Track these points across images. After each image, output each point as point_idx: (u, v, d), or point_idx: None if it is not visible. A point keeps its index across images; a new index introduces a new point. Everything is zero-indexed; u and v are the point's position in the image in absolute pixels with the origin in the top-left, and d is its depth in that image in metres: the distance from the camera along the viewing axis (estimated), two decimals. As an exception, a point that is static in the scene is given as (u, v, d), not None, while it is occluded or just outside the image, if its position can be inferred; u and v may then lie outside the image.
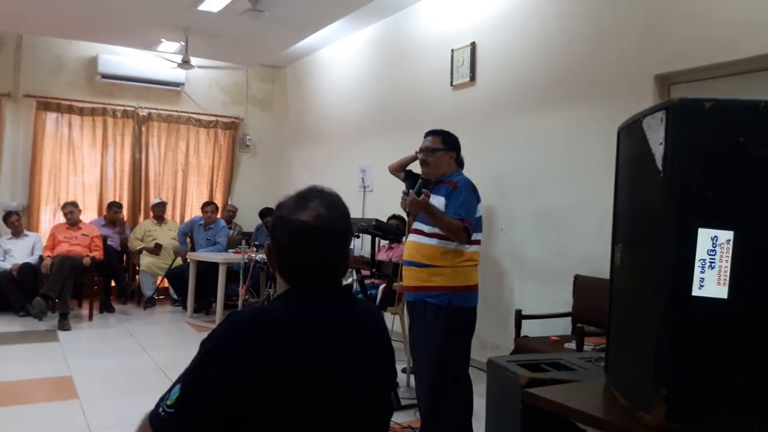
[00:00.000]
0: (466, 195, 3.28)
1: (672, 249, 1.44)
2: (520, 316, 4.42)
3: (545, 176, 4.81)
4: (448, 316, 3.25)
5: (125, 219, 8.27)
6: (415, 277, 3.35)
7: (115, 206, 7.93)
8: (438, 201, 3.30)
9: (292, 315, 1.34)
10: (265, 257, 6.19)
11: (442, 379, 3.27)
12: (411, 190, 3.36)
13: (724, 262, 1.42)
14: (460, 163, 3.52)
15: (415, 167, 3.68)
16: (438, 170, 3.44)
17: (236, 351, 1.25)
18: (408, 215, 3.59)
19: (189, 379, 1.26)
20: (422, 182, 3.44)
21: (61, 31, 7.60)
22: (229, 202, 9.02)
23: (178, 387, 1.26)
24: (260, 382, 1.23)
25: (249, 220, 8.66)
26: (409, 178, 3.56)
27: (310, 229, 1.38)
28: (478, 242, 3.38)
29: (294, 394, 1.26)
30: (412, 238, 3.41)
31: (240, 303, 6.53)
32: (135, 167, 8.55)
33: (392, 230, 4.64)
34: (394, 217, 5.92)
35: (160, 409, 1.25)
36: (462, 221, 3.21)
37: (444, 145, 3.43)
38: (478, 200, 3.37)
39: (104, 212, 8.00)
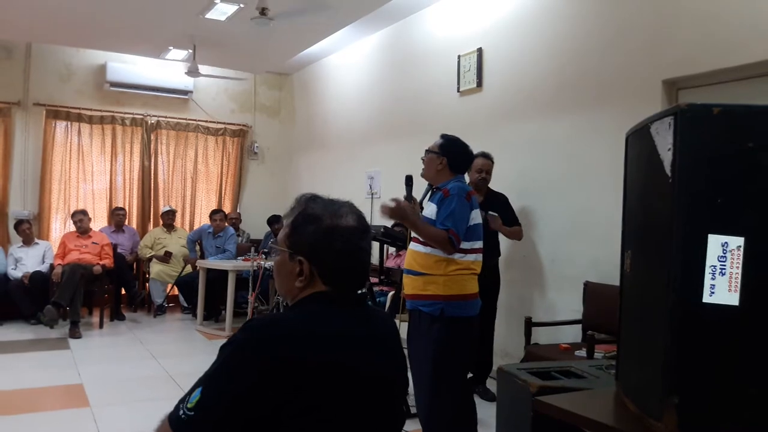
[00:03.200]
0: (455, 204, 3.22)
1: (681, 255, 1.43)
2: (529, 324, 4.40)
3: (553, 182, 4.80)
4: (442, 325, 3.20)
5: (128, 223, 8.32)
6: (412, 285, 3.33)
7: (118, 210, 8.03)
8: (430, 208, 3.30)
9: (309, 321, 1.37)
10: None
11: (438, 388, 3.24)
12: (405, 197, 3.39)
13: (735, 268, 1.41)
14: (455, 170, 3.42)
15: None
16: (428, 172, 3.44)
17: (254, 357, 1.27)
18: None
19: (209, 383, 1.29)
20: (428, 188, 3.46)
21: (69, 40, 7.67)
22: (237, 210, 9.04)
23: (198, 390, 1.28)
24: (278, 388, 1.26)
25: (258, 228, 8.68)
26: (409, 184, 3.56)
27: (356, 231, 1.46)
28: (477, 251, 3.31)
29: (310, 399, 1.28)
30: (411, 246, 3.40)
31: (249, 310, 6.53)
32: (144, 175, 8.59)
33: (400, 237, 4.63)
34: (398, 224, 5.91)
35: (181, 411, 1.27)
36: (447, 231, 3.17)
37: (439, 149, 3.41)
38: (472, 207, 3.30)
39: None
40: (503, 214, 4.67)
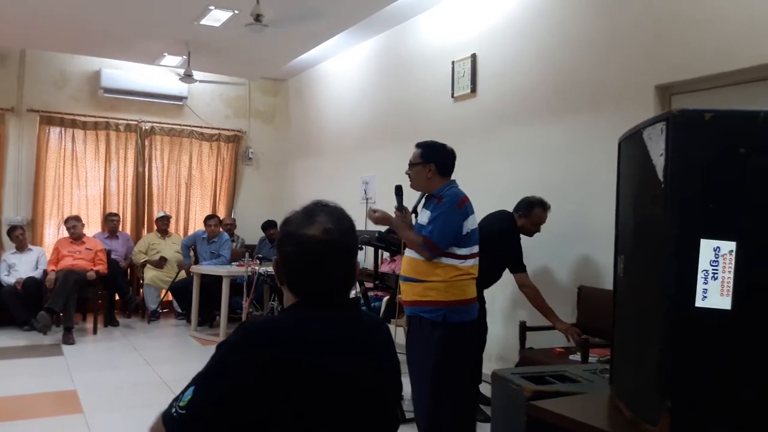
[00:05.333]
0: (442, 212, 3.23)
1: (674, 260, 1.44)
2: (524, 328, 4.41)
3: (547, 187, 4.81)
4: (444, 331, 3.20)
5: (122, 229, 8.31)
6: (411, 291, 3.33)
7: (111, 216, 8.00)
8: (425, 215, 3.32)
9: (302, 326, 1.37)
10: (268, 270, 6.22)
11: (440, 394, 3.23)
12: (402, 207, 3.45)
13: (727, 272, 1.42)
14: (444, 173, 3.40)
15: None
16: (419, 184, 3.43)
17: (248, 358, 1.28)
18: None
19: (202, 383, 1.29)
20: (421, 195, 3.47)
21: (64, 46, 7.65)
22: (232, 215, 9.02)
23: (191, 389, 1.29)
24: (270, 389, 1.26)
25: (252, 233, 8.67)
26: (399, 194, 3.56)
27: (318, 243, 1.40)
28: (474, 256, 3.32)
29: (303, 402, 1.28)
30: (408, 253, 3.40)
31: (244, 316, 6.52)
32: (138, 181, 8.57)
33: (395, 242, 4.64)
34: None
35: (173, 410, 1.28)
36: (423, 238, 3.21)
37: (421, 159, 3.39)
38: (466, 214, 3.29)
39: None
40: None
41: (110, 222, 7.94)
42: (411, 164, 3.44)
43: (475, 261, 3.34)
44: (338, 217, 1.46)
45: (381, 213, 3.41)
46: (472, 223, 3.33)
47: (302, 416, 1.28)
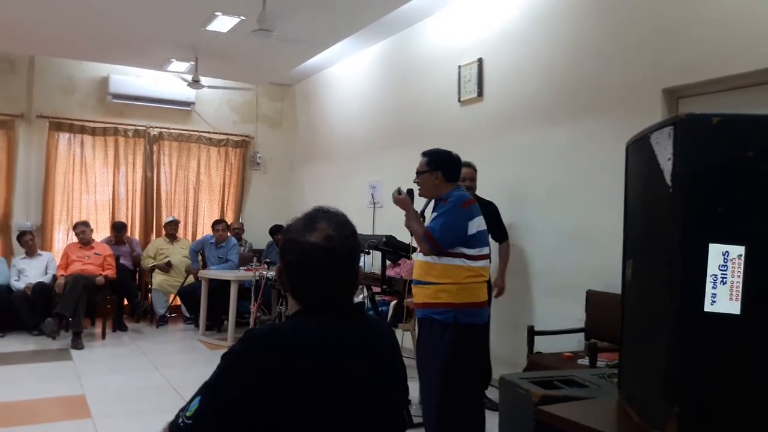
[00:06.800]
0: (445, 210, 3.32)
1: (682, 265, 1.43)
2: (532, 332, 4.39)
3: (555, 191, 4.80)
4: (454, 332, 3.25)
5: (134, 236, 8.33)
6: (423, 294, 3.37)
7: (117, 230, 7.93)
8: (431, 217, 3.40)
9: (304, 333, 1.37)
10: (276, 275, 6.23)
11: (448, 395, 3.25)
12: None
13: (736, 277, 1.41)
14: (450, 179, 3.46)
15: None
16: (426, 191, 3.49)
17: (253, 366, 1.28)
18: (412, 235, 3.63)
19: (208, 392, 1.30)
20: (428, 201, 3.51)
21: (72, 53, 7.70)
22: (239, 220, 9.05)
23: (197, 399, 1.29)
24: (276, 396, 1.26)
25: (260, 238, 8.69)
26: (410, 196, 3.59)
27: (319, 250, 1.40)
28: (484, 257, 3.38)
29: (305, 408, 1.28)
30: (419, 257, 3.43)
31: (252, 320, 6.53)
32: (147, 186, 8.61)
33: (402, 247, 4.64)
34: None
35: (180, 420, 1.29)
36: (425, 231, 3.31)
37: (427, 166, 3.45)
38: (471, 215, 3.34)
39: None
40: (490, 225, 4.68)
41: (116, 235, 7.88)
42: (418, 173, 3.50)
43: (485, 262, 3.39)
44: (340, 223, 1.46)
45: (405, 196, 3.49)
46: (479, 224, 3.37)
47: (304, 423, 1.29)
